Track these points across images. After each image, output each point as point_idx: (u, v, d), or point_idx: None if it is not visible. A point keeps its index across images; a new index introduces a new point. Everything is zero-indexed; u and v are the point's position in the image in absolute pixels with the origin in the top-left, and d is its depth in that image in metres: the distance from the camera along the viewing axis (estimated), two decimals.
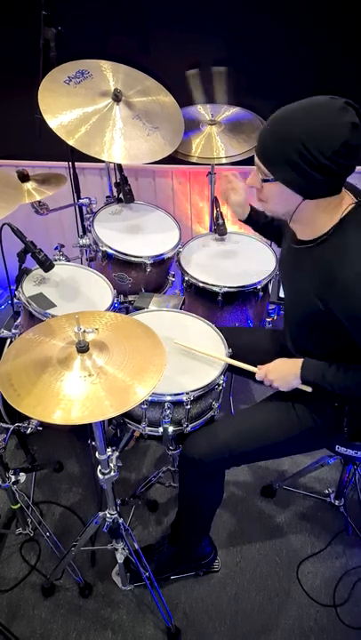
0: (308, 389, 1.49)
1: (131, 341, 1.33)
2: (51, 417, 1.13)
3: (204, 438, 1.56)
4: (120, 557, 1.69)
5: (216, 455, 1.53)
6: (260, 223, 1.83)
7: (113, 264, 2.03)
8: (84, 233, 2.27)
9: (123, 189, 2.20)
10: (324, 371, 1.42)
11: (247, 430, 1.56)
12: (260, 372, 1.55)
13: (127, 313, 2.00)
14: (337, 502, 2.04)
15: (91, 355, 1.24)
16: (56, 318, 1.44)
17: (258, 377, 1.56)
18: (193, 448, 1.55)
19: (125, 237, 2.09)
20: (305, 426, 1.54)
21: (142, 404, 1.51)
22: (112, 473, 1.45)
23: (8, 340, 1.93)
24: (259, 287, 2.01)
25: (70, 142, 1.88)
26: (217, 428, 1.61)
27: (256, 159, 1.29)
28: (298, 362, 1.47)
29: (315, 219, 1.32)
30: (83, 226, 2.35)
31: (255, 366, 1.57)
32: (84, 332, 1.23)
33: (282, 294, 2.38)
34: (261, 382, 1.56)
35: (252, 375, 1.60)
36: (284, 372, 1.50)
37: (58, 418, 1.13)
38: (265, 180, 1.29)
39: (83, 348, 1.23)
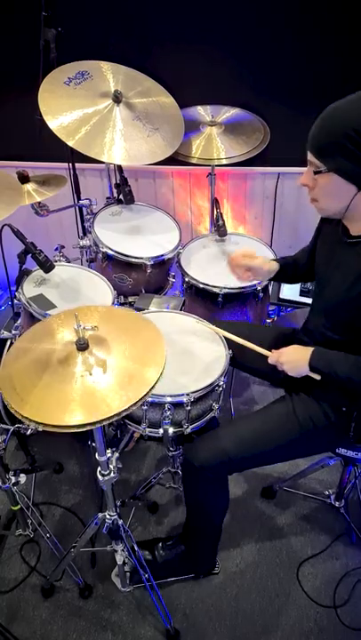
0: (317, 377, 1.47)
1: (127, 332, 1.33)
2: (62, 420, 1.13)
3: (206, 445, 1.56)
4: (119, 559, 1.69)
5: (218, 461, 1.52)
6: (290, 268, 1.76)
7: (113, 265, 2.03)
8: (85, 234, 2.27)
9: (123, 190, 2.20)
10: (333, 360, 1.42)
11: (248, 436, 1.55)
12: (273, 355, 1.53)
13: None
14: (337, 503, 2.04)
15: (91, 350, 1.23)
16: (52, 318, 1.41)
17: (270, 360, 1.53)
18: (195, 455, 1.55)
19: (126, 238, 2.09)
20: (307, 430, 1.53)
21: (143, 404, 1.50)
22: (112, 474, 1.45)
23: (8, 342, 1.93)
24: (259, 288, 2.01)
25: (70, 143, 1.88)
26: (218, 435, 1.59)
27: (308, 155, 1.29)
28: (309, 350, 1.46)
29: None
30: (83, 227, 2.35)
31: (270, 351, 1.56)
32: (84, 328, 1.23)
33: (282, 295, 2.39)
34: (274, 367, 1.54)
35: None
36: (295, 357, 1.48)
37: (57, 419, 1.12)
38: (317, 172, 1.28)
39: (82, 346, 1.22)
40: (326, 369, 1.43)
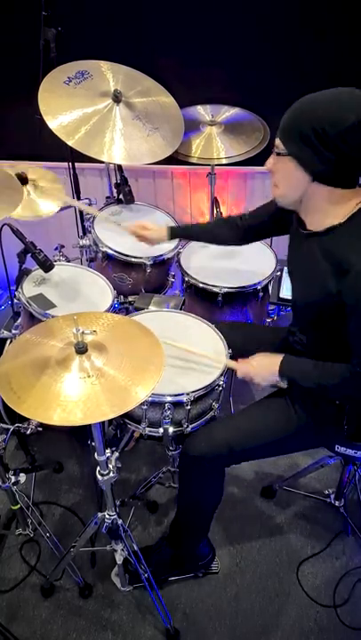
0: (284, 385, 1.53)
1: (129, 342, 1.33)
2: (50, 418, 1.13)
3: (205, 436, 1.56)
4: (119, 558, 1.69)
5: (216, 453, 1.53)
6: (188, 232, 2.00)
7: (113, 264, 2.03)
8: (84, 233, 2.27)
9: (123, 190, 2.20)
10: (303, 367, 1.46)
11: (247, 427, 1.57)
12: (241, 367, 1.56)
13: (127, 314, 2.00)
14: (337, 503, 2.04)
15: (90, 356, 1.24)
16: (54, 319, 1.43)
17: (240, 375, 1.57)
18: (193, 446, 1.55)
19: (125, 238, 2.08)
20: (304, 423, 1.54)
21: (143, 404, 1.50)
22: (111, 474, 1.45)
23: (8, 341, 1.93)
24: (259, 288, 2.01)
25: (70, 143, 1.88)
26: (217, 426, 1.61)
27: (276, 139, 1.32)
28: (277, 358, 1.50)
29: (325, 209, 1.33)
30: (83, 226, 2.35)
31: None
32: (83, 333, 1.23)
33: (282, 294, 2.39)
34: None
35: None
36: (261, 369, 1.53)
37: (57, 419, 1.13)
38: (278, 154, 1.31)
39: (81, 350, 1.23)
40: (298, 377, 1.47)
